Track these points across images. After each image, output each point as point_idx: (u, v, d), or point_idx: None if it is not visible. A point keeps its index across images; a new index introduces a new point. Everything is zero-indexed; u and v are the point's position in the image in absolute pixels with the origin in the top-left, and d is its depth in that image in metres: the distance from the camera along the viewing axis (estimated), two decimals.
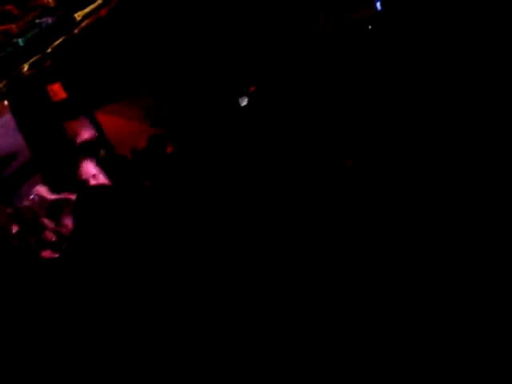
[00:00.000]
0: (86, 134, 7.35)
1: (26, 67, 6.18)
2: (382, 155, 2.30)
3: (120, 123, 8.35)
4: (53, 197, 5.06)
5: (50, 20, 5.07)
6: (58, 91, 7.44)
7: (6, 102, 7.16)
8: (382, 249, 2.02)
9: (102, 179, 3.96)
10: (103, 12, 6.02)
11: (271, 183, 2.63)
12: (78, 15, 5.62)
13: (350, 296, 1.96)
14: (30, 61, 6.06)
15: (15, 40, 5.24)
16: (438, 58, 2.77)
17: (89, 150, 6.53)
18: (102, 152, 5.69)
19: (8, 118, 7.29)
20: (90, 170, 4.10)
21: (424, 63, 2.81)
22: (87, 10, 5.74)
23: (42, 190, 5.23)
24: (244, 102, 4.89)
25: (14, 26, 4.94)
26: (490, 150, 2.19)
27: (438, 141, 2.33)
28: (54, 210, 4.49)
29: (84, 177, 4.10)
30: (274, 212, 2.37)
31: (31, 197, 5.18)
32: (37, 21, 5.15)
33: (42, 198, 5.17)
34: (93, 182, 4.03)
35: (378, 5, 4.11)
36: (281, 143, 3.20)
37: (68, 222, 4.42)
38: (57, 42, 5.97)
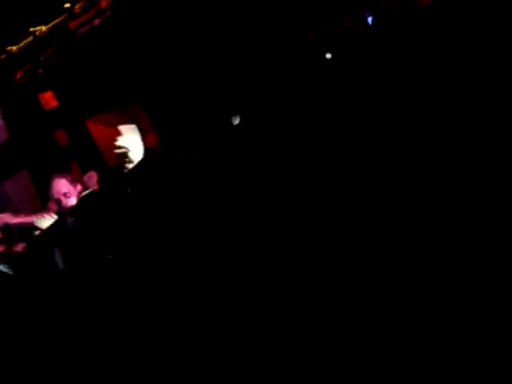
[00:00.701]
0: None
1: (18, 75, 6.23)
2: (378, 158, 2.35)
3: (110, 133, 8.39)
4: (16, 220, 5.09)
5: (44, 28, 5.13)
6: (49, 99, 7.47)
7: None
8: (381, 247, 2.07)
9: (73, 197, 4.02)
10: (96, 22, 6.09)
11: (265, 197, 2.68)
12: (72, 24, 5.69)
13: (348, 296, 2.01)
14: (23, 68, 6.10)
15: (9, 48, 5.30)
16: (430, 71, 2.84)
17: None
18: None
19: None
20: (61, 189, 4.16)
21: (415, 75, 2.87)
22: (81, 19, 5.81)
23: (5, 217, 5.24)
24: (236, 120, 4.91)
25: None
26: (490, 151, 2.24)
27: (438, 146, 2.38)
28: (20, 232, 4.61)
29: (55, 196, 4.16)
30: (271, 220, 2.42)
31: None
32: (31, 29, 5.21)
33: (6, 224, 5.20)
34: (64, 200, 4.09)
35: (369, 19, 4.19)
36: (275, 158, 3.23)
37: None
38: (50, 51, 6.03)
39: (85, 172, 5.47)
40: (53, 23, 5.31)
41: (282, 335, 2.02)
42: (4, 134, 7.36)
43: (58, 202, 4.13)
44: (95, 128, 8.28)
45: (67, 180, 4.25)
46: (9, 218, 5.17)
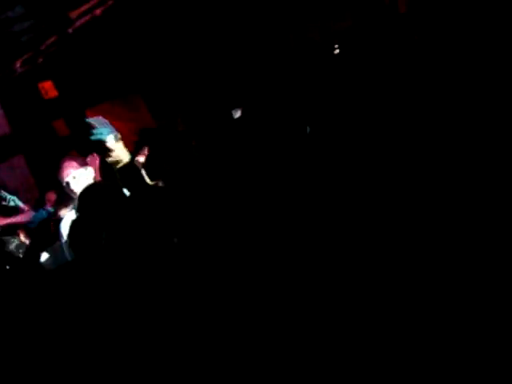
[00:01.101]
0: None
1: (18, 64, 6.19)
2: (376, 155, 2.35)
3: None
4: (5, 222, 5.02)
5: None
6: (49, 89, 7.43)
7: None
8: (379, 247, 2.07)
9: (83, 181, 3.98)
10: (98, 12, 6.05)
11: (265, 191, 2.67)
12: (73, 14, 5.65)
13: (348, 296, 2.00)
14: (23, 58, 6.07)
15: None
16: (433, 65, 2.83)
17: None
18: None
19: None
20: (71, 172, 4.13)
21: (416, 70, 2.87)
22: (82, 9, 5.76)
23: None
24: (237, 114, 4.89)
25: None
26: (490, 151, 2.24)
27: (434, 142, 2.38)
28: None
29: (65, 179, 4.14)
30: (270, 213, 2.40)
31: None
32: None
33: None
34: (73, 183, 4.07)
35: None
36: (274, 151, 3.22)
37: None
38: (51, 40, 5.99)
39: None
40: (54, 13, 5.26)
41: (281, 335, 2.01)
42: (2, 123, 7.33)
43: (67, 185, 4.09)
44: None
45: (77, 163, 4.19)
46: None
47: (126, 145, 5.78)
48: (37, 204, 6.39)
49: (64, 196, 3.86)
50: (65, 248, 3.82)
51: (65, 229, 3.80)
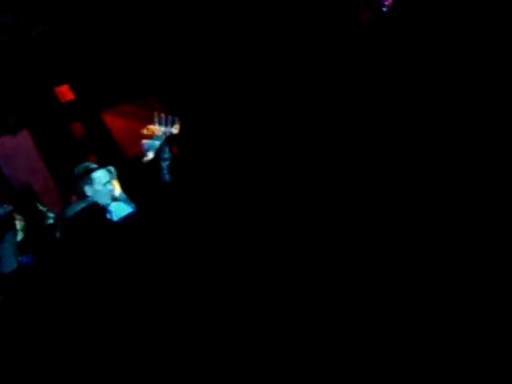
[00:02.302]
0: None
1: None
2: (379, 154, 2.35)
3: (126, 124, 8.42)
4: None
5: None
6: (66, 92, 7.51)
7: None
8: (381, 248, 2.08)
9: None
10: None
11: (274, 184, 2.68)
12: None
13: (349, 295, 2.02)
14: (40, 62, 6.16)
15: None
16: (442, 63, 2.83)
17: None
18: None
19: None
20: None
21: (428, 68, 2.86)
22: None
23: None
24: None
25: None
26: (490, 150, 2.25)
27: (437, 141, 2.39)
28: None
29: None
30: (274, 211, 2.42)
31: None
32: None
33: None
34: None
35: (385, 8, 4.17)
36: (285, 144, 3.22)
37: None
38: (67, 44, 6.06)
39: (104, 164, 5.49)
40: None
41: (280, 334, 2.02)
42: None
43: None
44: (112, 120, 8.31)
45: None
46: None
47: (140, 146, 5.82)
48: (60, 207, 6.48)
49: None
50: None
51: None
